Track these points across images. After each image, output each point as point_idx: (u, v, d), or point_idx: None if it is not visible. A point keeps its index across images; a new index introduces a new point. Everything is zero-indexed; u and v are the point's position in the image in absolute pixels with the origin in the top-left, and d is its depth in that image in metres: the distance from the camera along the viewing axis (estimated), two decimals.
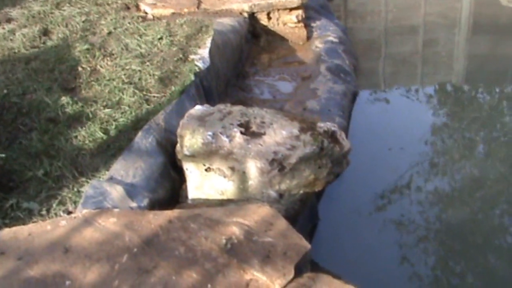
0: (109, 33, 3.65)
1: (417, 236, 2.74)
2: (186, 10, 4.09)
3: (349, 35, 4.95)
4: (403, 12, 6.02)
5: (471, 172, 3.28)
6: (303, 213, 2.35)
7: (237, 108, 2.37)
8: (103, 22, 3.88)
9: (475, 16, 5.69)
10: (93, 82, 2.98)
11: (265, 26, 4.33)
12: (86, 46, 3.36)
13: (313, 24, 4.57)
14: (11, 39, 3.51)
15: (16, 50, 3.37)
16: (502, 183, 3.21)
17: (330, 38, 4.34)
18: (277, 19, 4.34)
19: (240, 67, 3.81)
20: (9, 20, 3.92)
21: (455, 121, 3.85)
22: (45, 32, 3.71)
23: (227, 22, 3.82)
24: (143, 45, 3.45)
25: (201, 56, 3.22)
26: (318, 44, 4.24)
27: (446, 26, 5.62)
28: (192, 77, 2.94)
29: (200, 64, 3.10)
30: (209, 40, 3.49)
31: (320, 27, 4.53)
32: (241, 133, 2.18)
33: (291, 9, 4.37)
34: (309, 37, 4.42)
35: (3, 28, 3.71)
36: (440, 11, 5.96)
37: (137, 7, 4.22)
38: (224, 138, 2.16)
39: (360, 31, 5.68)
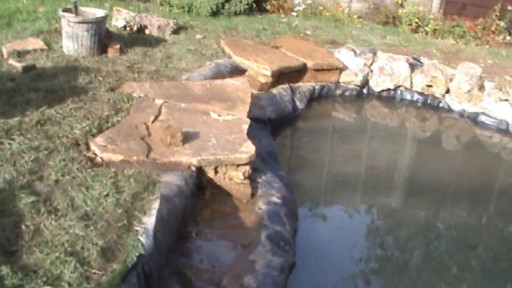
0: (56, 181, 3.78)
1: None
2: (135, 158, 4.24)
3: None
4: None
5: None
6: None
7: None
8: (51, 163, 4.02)
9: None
10: (35, 248, 3.09)
11: (211, 179, 4.55)
12: (31, 199, 3.47)
13: (258, 180, 4.79)
14: None
15: None
16: None
17: (274, 199, 4.59)
18: (224, 174, 4.57)
19: (182, 228, 3.96)
20: None
21: None
22: None
23: (173, 182, 4.01)
24: (89, 202, 3.61)
25: (146, 228, 3.39)
26: (261, 205, 4.49)
27: None
28: (135, 258, 3.08)
29: (143, 240, 3.26)
30: (155, 204, 3.66)
31: (265, 184, 4.77)
32: None
33: (238, 165, 4.57)
34: (253, 194, 4.60)
35: None
36: None
37: (87, 146, 4.36)
38: None
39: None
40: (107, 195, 3.75)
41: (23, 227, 3.29)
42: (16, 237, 3.19)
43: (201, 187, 4.61)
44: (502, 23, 10.96)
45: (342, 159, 6.61)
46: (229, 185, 4.62)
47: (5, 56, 6.03)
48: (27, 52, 6.23)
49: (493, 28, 10.96)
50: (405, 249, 5.09)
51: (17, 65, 5.77)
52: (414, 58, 8.53)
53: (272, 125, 6.43)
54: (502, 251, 5.19)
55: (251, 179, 4.76)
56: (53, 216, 3.43)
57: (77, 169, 4.02)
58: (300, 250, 4.46)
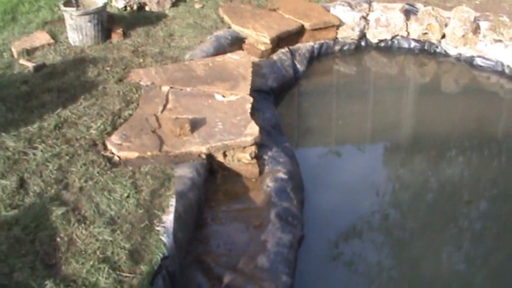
0: (81, 188, 4.23)
1: None
2: (149, 153, 4.67)
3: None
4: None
5: None
6: None
7: None
8: (74, 169, 4.45)
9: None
10: (71, 259, 3.56)
11: (221, 163, 4.97)
12: (62, 210, 3.93)
13: (264, 156, 5.18)
14: None
15: None
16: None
17: (280, 175, 4.99)
18: (232, 156, 5.00)
19: (198, 216, 4.42)
20: None
21: None
22: (22, 183, 4.23)
23: (186, 175, 4.42)
24: (112, 205, 4.06)
25: (165, 227, 3.83)
26: (269, 183, 4.89)
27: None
28: (159, 260, 3.56)
29: (164, 239, 3.72)
30: (172, 201, 4.11)
31: (271, 160, 5.16)
32: None
33: (244, 147, 4.99)
34: (261, 172, 5.03)
35: None
36: None
37: (104, 146, 4.79)
38: None
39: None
40: (128, 196, 4.19)
41: (58, 239, 3.74)
42: (54, 250, 3.65)
43: (212, 171, 5.01)
44: None
45: (346, 119, 6.98)
46: (238, 166, 5.04)
47: (16, 55, 6.38)
48: (36, 48, 6.57)
49: None
50: (411, 211, 5.49)
51: (28, 64, 6.13)
52: (409, 4, 8.73)
53: (275, 94, 6.73)
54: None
55: (258, 157, 5.14)
56: (83, 225, 3.87)
57: (98, 172, 4.45)
58: (307, 221, 4.91)
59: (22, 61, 6.19)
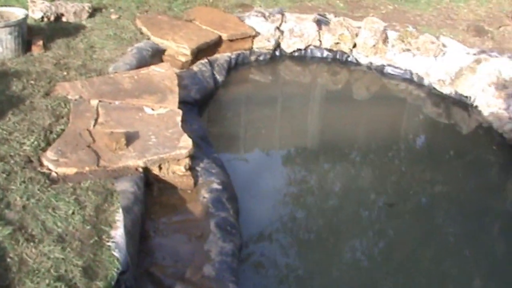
0: (24, 206, 4.26)
1: None
2: (87, 168, 4.75)
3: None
4: None
5: None
6: None
7: None
8: (13, 187, 4.45)
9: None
10: (25, 279, 3.62)
11: (156, 176, 5.11)
12: (8, 231, 3.96)
13: (197, 168, 5.37)
14: None
15: None
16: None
17: (215, 186, 5.20)
18: (167, 169, 5.15)
19: (141, 229, 4.56)
20: None
21: None
22: None
23: (128, 190, 4.55)
24: (59, 223, 4.12)
25: (116, 242, 3.96)
26: (204, 194, 5.09)
27: None
28: (115, 275, 3.69)
29: (117, 254, 3.85)
30: (117, 216, 4.24)
31: (204, 172, 5.35)
32: None
33: (179, 159, 5.17)
34: (195, 183, 5.23)
35: None
36: None
37: (40, 162, 4.82)
38: None
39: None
40: (73, 213, 4.26)
41: (8, 259, 3.77)
42: (5, 271, 3.68)
43: (148, 184, 5.14)
44: None
45: (264, 126, 7.42)
46: (173, 178, 5.20)
47: None
48: None
49: None
50: (336, 215, 5.91)
51: None
52: (320, 15, 9.17)
53: (198, 105, 6.93)
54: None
55: (191, 168, 5.32)
56: (32, 244, 3.90)
57: (38, 190, 4.47)
58: (244, 229, 5.14)
59: None
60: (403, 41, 8.46)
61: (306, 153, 6.95)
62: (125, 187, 4.62)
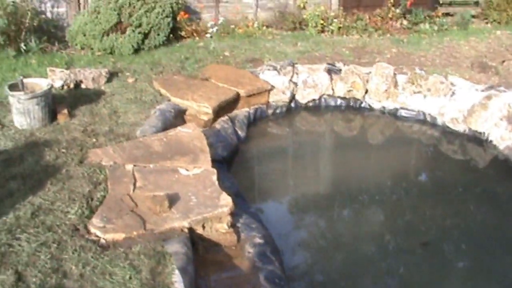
0: (81, 275, 4.32)
1: None
2: (135, 233, 4.83)
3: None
4: None
5: None
6: None
7: None
8: (66, 256, 4.53)
9: None
10: None
11: (200, 235, 5.18)
12: None
13: (237, 224, 5.44)
14: None
15: None
16: None
17: (257, 241, 5.26)
18: (210, 228, 5.22)
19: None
20: None
21: None
22: (20, 277, 4.28)
23: (180, 251, 4.63)
24: None
25: None
26: (249, 249, 5.15)
27: None
28: None
29: None
30: (174, 277, 4.31)
31: (245, 227, 5.42)
32: None
33: (221, 217, 5.25)
34: (238, 239, 5.30)
35: None
36: None
37: (87, 230, 4.90)
38: None
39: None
40: (130, 277, 4.32)
41: None
42: None
43: (193, 243, 5.22)
44: (398, 10, 12.08)
45: (291, 176, 7.57)
46: (217, 236, 5.27)
47: None
48: None
49: (390, 15, 12.03)
50: (378, 258, 5.96)
51: None
52: (329, 64, 9.39)
53: (226, 162, 7.06)
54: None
55: (233, 225, 5.41)
56: None
57: (92, 257, 4.54)
58: (290, 280, 5.20)
59: None
60: (413, 84, 8.67)
61: (334, 198, 7.03)
62: (176, 248, 4.69)
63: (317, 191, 7.14)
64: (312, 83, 8.75)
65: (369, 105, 8.93)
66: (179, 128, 6.83)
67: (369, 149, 8.17)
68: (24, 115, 6.69)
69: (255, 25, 11.32)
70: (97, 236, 4.80)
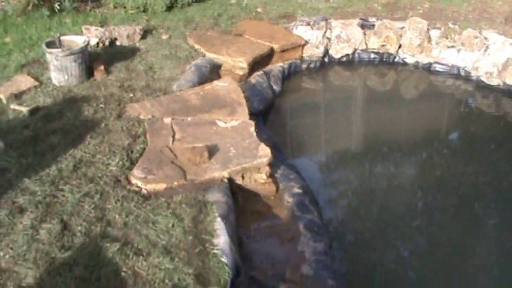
0: (125, 223, 4.35)
1: None
2: (176, 183, 4.82)
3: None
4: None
5: None
6: None
7: None
8: (109, 206, 4.55)
9: None
10: None
11: (240, 185, 5.17)
12: (116, 247, 4.05)
13: (276, 175, 5.42)
14: (38, 239, 4.15)
15: (53, 255, 3.98)
16: None
17: (296, 190, 5.24)
18: (250, 178, 5.21)
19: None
20: (21, 211, 4.50)
21: None
22: (65, 225, 4.32)
23: (221, 200, 4.63)
24: (161, 236, 4.20)
25: (222, 249, 4.02)
26: (288, 199, 5.14)
27: None
28: (228, 279, 3.75)
29: (225, 260, 3.91)
30: (215, 225, 4.31)
31: (283, 178, 5.41)
32: None
33: (259, 168, 5.23)
34: (277, 189, 5.28)
35: (22, 224, 4.30)
36: None
37: (128, 181, 4.91)
38: None
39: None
40: (172, 225, 4.34)
41: (122, 273, 3.86)
42: (122, 284, 3.77)
43: (232, 193, 5.21)
44: None
45: (327, 130, 7.52)
46: (256, 186, 5.26)
47: (4, 101, 6.36)
48: (23, 92, 6.57)
49: None
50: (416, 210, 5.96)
51: (21, 109, 6.13)
52: (362, 19, 9.20)
53: (262, 115, 7.01)
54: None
55: (271, 175, 5.38)
56: (141, 257, 3.99)
57: (134, 206, 4.56)
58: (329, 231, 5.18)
59: (13, 106, 6.19)
60: (447, 38, 8.49)
61: (367, 152, 7.02)
62: (217, 197, 4.68)
63: (351, 146, 7.12)
64: (345, 38, 8.62)
65: (402, 59, 8.79)
66: (215, 82, 6.78)
67: (402, 104, 8.06)
68: (61, 72, 6.69)
69: None
70: (138, 187, 4.81)
